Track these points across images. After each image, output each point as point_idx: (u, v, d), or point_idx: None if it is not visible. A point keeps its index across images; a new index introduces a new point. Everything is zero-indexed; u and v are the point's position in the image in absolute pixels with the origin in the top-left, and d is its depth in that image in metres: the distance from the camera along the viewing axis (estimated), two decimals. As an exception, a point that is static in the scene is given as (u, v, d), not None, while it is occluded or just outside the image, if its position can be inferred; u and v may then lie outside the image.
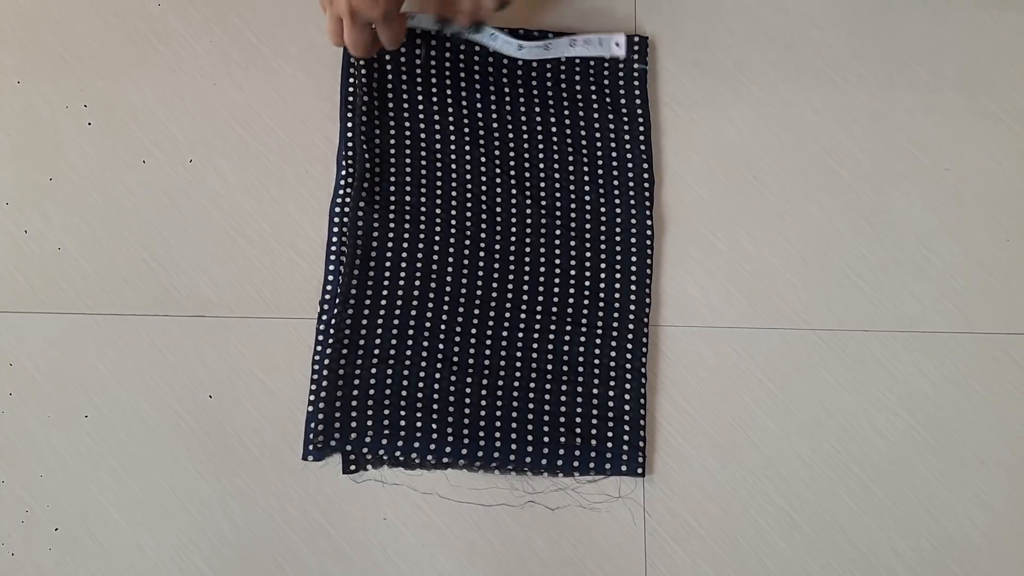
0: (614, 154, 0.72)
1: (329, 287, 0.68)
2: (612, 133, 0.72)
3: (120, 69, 0.73)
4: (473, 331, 0.68)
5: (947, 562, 0.66)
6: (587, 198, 0.71)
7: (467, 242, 0.69)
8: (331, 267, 0.69)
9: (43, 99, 0.72)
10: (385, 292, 0.68)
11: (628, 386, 0.67)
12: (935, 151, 0.73)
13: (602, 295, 0.69)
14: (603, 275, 0.69)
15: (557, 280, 0.69)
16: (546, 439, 0.65)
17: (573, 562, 0.65)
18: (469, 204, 0.70)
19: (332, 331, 0.67)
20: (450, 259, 0.69)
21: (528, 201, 0.71)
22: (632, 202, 0.71)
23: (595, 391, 0.67)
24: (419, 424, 0.65)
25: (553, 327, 0.68)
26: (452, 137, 0.71)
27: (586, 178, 0.71)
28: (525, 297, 0.69)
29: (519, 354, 0.67)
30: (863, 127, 0.74)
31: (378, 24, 0.64)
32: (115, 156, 0.71)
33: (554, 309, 0.68)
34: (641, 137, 0.72)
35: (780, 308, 0.70)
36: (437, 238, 0.69)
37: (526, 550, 0.65)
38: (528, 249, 0.70)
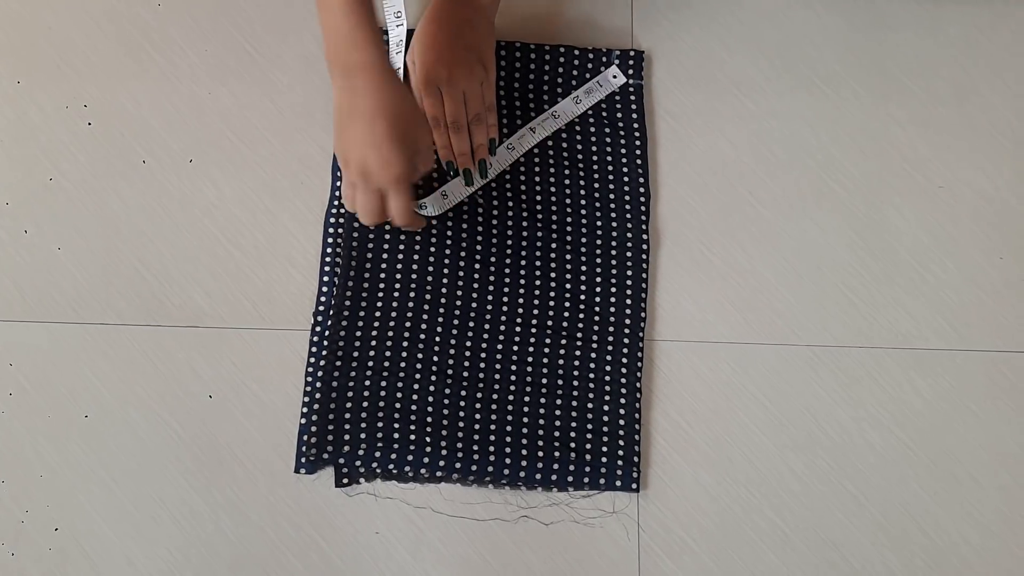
0: (610, 168, 0.72)
1: (323, 299, 0.68)
2: (608, 147, 0.72)
3: (115, 77, 0.72)
4: (468, 344, 0.67)
5: (940, 579, 0.66)
6: (583, 212, 0.71)
7: (462, 254, 0.69)
8: (325, 278, 0.68)
9: (38, 106, 0.71)
10: (379, 304, 0.67)
11: (623, 400, 0.67)
12: (929, 167, 0.74)
13: (597, 309, 0.69)
14: (598, 289, 0.69)
15: (552, 293, 0.69)
16: (540, 453, 0.65)
17: (566, 577, 0.65)
18: (464, 216, 0.70)
19: (326, 343, 0.66)
20: (445, 271, 0.69)
21: (524, 213, 0.70)
22: (628, 216, 0.71)
23: (590, 405, 0.67)
24: (412, 437, 0.65)
25: (548, 340, 0.68)
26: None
27: (582, 192, 0.71)
28: (520, 310, 0.68)
29: (513, 367, 0.67)
30: (857, 143, 0.74)
31: (388, 191, 0.62)
32: (108, 164, 0.70)
33: (549, 322, 0.68)
34: (637, 151, 0.72)
35: (775, 323, 0.70)
36: (432, 250, 0.69)
37: (520, 565, 0.64)
38: (523, 262, 0.69)
